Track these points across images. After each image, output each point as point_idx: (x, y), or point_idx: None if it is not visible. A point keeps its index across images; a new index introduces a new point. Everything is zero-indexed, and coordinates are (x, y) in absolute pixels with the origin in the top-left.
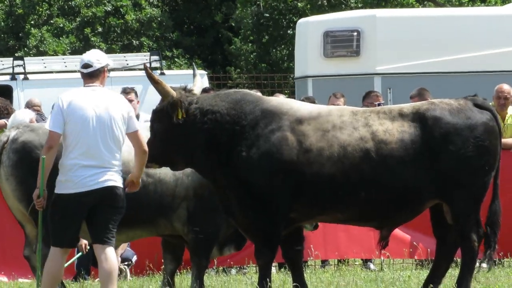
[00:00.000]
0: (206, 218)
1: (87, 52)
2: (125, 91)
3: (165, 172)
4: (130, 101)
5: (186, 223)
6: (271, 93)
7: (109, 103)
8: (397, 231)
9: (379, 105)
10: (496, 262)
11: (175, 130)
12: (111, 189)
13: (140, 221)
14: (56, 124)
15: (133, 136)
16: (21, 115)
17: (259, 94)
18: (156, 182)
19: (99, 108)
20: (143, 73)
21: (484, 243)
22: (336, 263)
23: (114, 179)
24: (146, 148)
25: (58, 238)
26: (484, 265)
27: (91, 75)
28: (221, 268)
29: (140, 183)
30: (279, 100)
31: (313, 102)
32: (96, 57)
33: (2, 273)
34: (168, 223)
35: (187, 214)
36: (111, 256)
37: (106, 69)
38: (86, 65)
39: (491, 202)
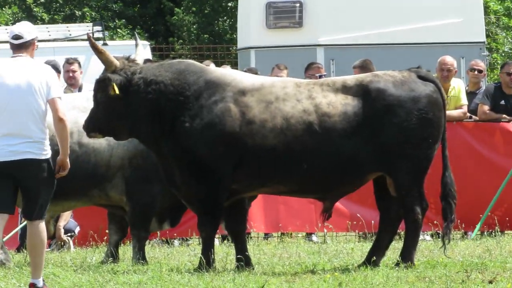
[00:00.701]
0: (142, 188)
1: (16, 23)
2: (68, 62)
3: (99, 142)
4: (73, 71)
5: (123, 193)
6: (215, 65)
7: (30, 72)
8: (341, 204)
9: (320, 77)
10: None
11: (118, 100)
12: (30, 162)
13: (74, 192)
14: None
15: (50, 103)
16: None
17: (203, 65)
18: (89, 152)
19: (19, 77)
20: (86, 43)
21: (442, 216)
22: (279, 235)
23: (35, 151)
24: (63, 116)
25: None
26: (428, 237)
27: (20, 47)
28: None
29: (68, 164)
30: (223, 71)
31: (256, 74)
32: (27, 29)
33: None
34: (102, 193)
35: (124, 184)
36: (36, 230)
37: (35, 41)
38: (16, 36)
39: (442, 174)
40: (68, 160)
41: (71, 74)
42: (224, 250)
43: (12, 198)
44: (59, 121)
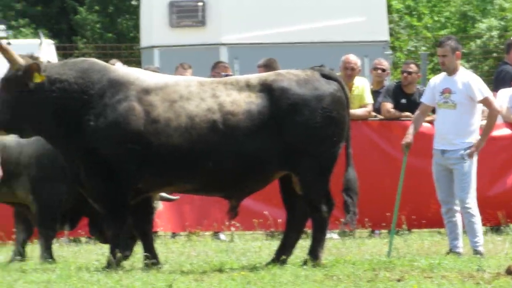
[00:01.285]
0: (48, 187)
1: None
2: None
3: (10, 139)
4: None
5: (29, 191)
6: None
7: None
8: (247, 202)
9: (226, 76)
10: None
11: (22, 98)
12: None
13: None
14: None
15: None
16: None
17: (106, 63)
18: (0, 148)
19: None
20: None
21: (344, 210)
22: (186, 234)
23: None
24: None
25: None
26: (335, 235)
27: None
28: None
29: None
30: (127, 70)
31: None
32: None
33: None
34: (9, 190)
35: (29, 183)
36: None
37: None
38: None
39: (345, 170)
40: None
41: None
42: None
43: None
44: None
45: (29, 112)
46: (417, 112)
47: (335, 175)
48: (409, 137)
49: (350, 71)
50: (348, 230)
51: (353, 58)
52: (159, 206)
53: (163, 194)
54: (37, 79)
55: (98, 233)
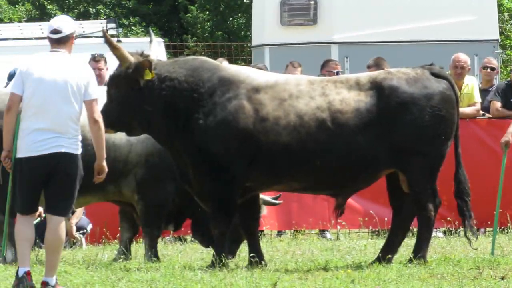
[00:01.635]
0: (156, 187)
1: (55, 17)
2: (95, 59)
3: (119, 137)
4: (100, 69)
5: (135, 190)
6: (229, 62)
7: (68, 69)
8: (354, 201)
9: (337, 73)
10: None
11: (132, 96)
12: (63, 155)
13: (91, 186)
14: (15, 86)
15: (87, 104)
16: None
17: (217, 62)
18: (109, 146)
19: (56, 73)
20: (100, 40)
21: (458, 215)
22: (292, 232)
23: (67, 145)
24: (98, 118)
25: (21, 205)
26: (440, 234)
27: (59, 41)
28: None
29: (106, 169)
30: (237, 68)
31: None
32: (66, 23)
33: None
34: (116, 189)
35: (136, 181)
36: (57, 227)
37: (73, 36)
38: (55, 31)
39: (455, 172)
40: (105, 164)
41: (97, 72)
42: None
43: (39, 197)
44: (95, 123)
45: (138, 110)
46: None
47: (442, 173)
48: (508, 136)
49: (460, 70)
50: (453, 229)
51: (463, 57)
52: (264, 210)
53: (267, 198)
54: (148, 76)
55: (200, 236)
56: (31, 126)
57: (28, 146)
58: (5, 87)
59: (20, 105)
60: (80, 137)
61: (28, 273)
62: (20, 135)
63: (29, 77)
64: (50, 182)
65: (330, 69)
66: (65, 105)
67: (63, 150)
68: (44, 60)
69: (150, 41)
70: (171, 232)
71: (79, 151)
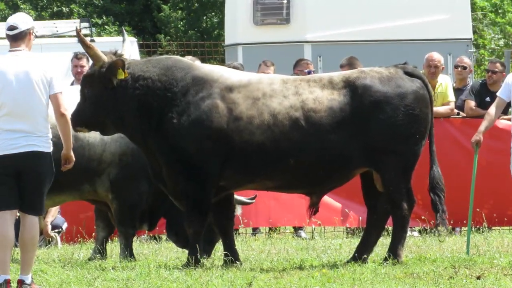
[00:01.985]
0: (130, 186)
1: (12, 15)
2: (77, 57)
3: (94, 137)
4: (82, 66)
5: (109, 189)
6: (202, 61)
7: (31, 67)
8: (329, 199)
9: (309, 72)
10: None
11: (105, 95)
12: (35, 154)
13: (67, 185)
14: None
15: (52, 98)
16: None
17: (190, 61)
18: (84, 145)
19: (20, 73)
20: (73, 39)
21: (432, 209)
22: (267, 231)
23: (37, 144)
24: (64, 111)
25: None
26: (416, 233)
27: (16, 38)
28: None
29: (73, 158)
30: (210, 68)
31: (239, 69)
32: (22, 19)
33: None
34: (91, 188)
35: (109, 181)
36: (31, 225)
37: (31, 31)
38: (11, 27)
39: (429, 168)
40: (72, 153)
41: (79, 69)
42: None
43: (17, 193)
44: (61, 116)
45: (112, 109)
46: (492, 106)
47: (416, 172)
48: (479, 135)
49: (433, 69)
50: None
51: (436, 56)
52: (239, 210)
53: (240, 198)
54: (121, 75)
55: (174, 236)
56: (2, 126)
57: (0, 146)
58: None
59: None
60: (50, 135)
61: (8, 282)
62: None
63: None
64: (22, 181)
65: (302, 69)
66: (34, 104)
67: (35, 149)
68: (7, 62)
69: (123, 41)
70: (146, 231)
71: (50, 149)
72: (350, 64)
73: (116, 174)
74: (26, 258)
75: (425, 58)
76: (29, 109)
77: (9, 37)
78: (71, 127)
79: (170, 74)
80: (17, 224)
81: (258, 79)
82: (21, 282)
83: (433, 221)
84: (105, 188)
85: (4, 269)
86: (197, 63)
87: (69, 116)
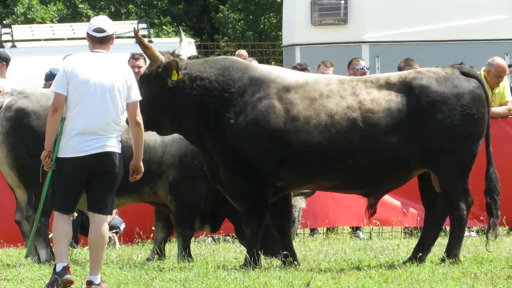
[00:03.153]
0: (188, 187)
1: (95, 17)
2: (134, 57)
3: (154, 139)
4: (139, 67)
5: (168, 191)
6: (259, 62)
7: (112, 70)
8: (387, 199)
9: (361, 68)
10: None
11: (163, 95)
12: (108, 155)
13: (127, 189)
14: (60, 86)
15: (129, 106)
16: None
17: (247, 61)
18: (144, 149)
19: (100, 74)
20: (131, 41)
21: (486, 212)
22: (324, 232)
23: (111, 145)
24: (140, 120)
25: (58, 203)
26: (473, 233)
27: (103, 40)
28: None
29: (142, 169)
30: (267, 68)
31: (305, 69)
32: (109, 23)
33: None
34: (151, 190)
35: (168, 182)
36: (101, 225)
37: (114, 37)
38: (100, 29)
39: (486, 170)
40: (141, 164)
41: (136, 70)
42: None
43: (79, 198)
44: (136, 125)
45: (169, 109)
46: None
47: (474, 172)
48: None
49: (500, 79)
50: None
51: (505, 65)
52: (303, 204)
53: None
54: (175, 77)
55: (245, 240)
56: (76, 127)
57: (73, 147)
58: (43, 87)
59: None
60: (119, 138)
61: (67, 267)
62: (64, 135)
63: (73, 78)
64: (93, 181)
65: (354, 66)
66: (110, 107)
67: (108, 149)
68: (89, 61)
69: (180, 41)
70: (204, 232)
71: (120, 150)
72: (408, 65)
73: (175, 175)
74: (96, 259)
75: (494, 66)
76: (105, 112)
77: (95, 38)
78: (143, 138)
79: (228, 75)
80: (75, 225)
81: (315, 79)
82: (90, 283)
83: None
84: (165, 190)
85: (61, 258)
86: (254, 63)
87: (143, 126)
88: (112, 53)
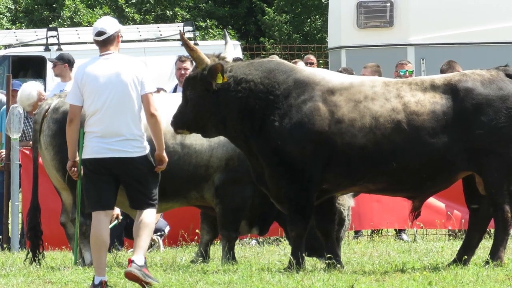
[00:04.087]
0: (234, 190)
1: (97, 20)
2: (181, 59)
3: (200, 143)
4: (185, 69)
5: (214, 194)
6: (305, 65)
7: (122, 69)
8: (431, 201)
9: (403, 72)
10: None
11: (208, 97)
12: (124, 160)
13: (174, 193)
14: (74, 97)
15: (143, 98)
16: (28, 88)
17: (292, 64)
18: (191, 153)
19: (112, 77)
20: (177, 43)
21: None
22: (369, 234)
23: (128, 150)
24: (154, 111)
25: (92, 202)
26: None
27: (105, 42)
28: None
29: (166, 158)
30: (312, 70)
31: (351, 73)
32: (109, 23)
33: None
34: (198, 194)
35: (214, 186)
36: (145, 216)
37: (119, 34)
38: (99, 33)
39: None
40: (165, 154)
41: (183, 72)
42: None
43: (114, 195)
44: (151, 116)
45: (214, 112)
46: None
47: None
48: None
49: None
50: None
51: None
52: (351, 202)
53: None
54: (219, 80)
55: None
56: (95, 131)
57: (92, 148)
58: None
59: (81, 114)
60: (144, 137)
61: (103, 283)
62: (86, 138)
63: (86, 86)
64: (124, 184)
65: (397, 70)
66: (128, 107)
67: (125, 155)
68: (98, 66)
69: (225, 43)
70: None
71: (145, 152)
72: (451, 68)
73: (222, 178)
74: (138, 243)
75: None
76: (122, 113)
77: (98, 42)
78: (161, 127)
79: (272, 77)
80: (120, 227)
81: (360, 81)
82: (131, 261)
83: None
84: (212, 193)
85: (99, 271)
86: (300, 64)
87: (159, 117)
88: (159, 55)
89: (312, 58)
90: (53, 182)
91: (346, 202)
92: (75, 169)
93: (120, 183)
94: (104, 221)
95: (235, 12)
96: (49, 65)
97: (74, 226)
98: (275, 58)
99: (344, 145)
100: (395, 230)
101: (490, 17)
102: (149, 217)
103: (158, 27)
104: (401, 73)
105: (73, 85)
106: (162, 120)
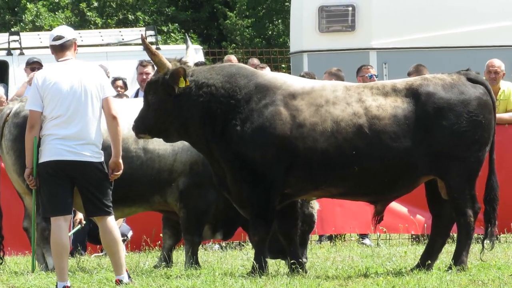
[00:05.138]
0: (198, 194)
1: (54, 28)
2: (142, 64)
3: (164, 148)
4: (147, 74)
5: (178, 198)
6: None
7: (82, 74)
8: (394, 206)
9: (370, 76)
10: (497, 238)
11: (169, 102)
12: (82, 164)
13: (137, 197)
14: (34, 103)
15: (104, 102)
16: None
17: (253, 68)
18: (154, 158)
19: (73, 81)
20: (138, 48)
21: (484, 220)
22: (332, 238)
23: (90, 154)
24: (116, 114)
25: (51, 207)
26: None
27: (63, 47)
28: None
29: (121, 165)
30: (273, 75)
31: (313, 78)
32: (66, 30)
33: None
34: (162, 199)
35: (178, 190)
36: (108, 227)
37: (76, 42)
38: (57, 37)
39: (487, 178)
40: (121, 161)
41: (144, 76)
42: None
43: (71, 199)
44: (113, 119)
45: (175, 116)
46: None
47: (481, 179)
48: None
49: (493, 75)
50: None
51: (497, 62)
52: (317, 205)
53: None
54: (182, 84)
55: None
56: (56, 133)
57: (51, 150)
58: None
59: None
60: (100, 144)
61: None
62: (44, 141)
63: (46, 91)
64: (79, 188)
65: (364, 74)
66: (88, 112)
67: (84, 158)
68: (58, 71)
69: (187, 48)
70: (211, 240)
71: (101, 158)
72: (418, 71)
73: (186, 182)
74: (114, 259)
75: (485, 64)
76: (84, 117)
77: (56, 47)
78: (121, 132)
79: (234, 81)
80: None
81: (321, 86)
82: (119, 281)
83: (497, 228)
84: (175, 198)
85: (62, 276)
86: (267, 70)
87: (120, 121)
88: (120, 60)
89: (256, 62)
90: (15, 187)
91: (315, 205)
92: (32, 177)
93: (76, 187)
94: (63, 226)
95: (197, 16)
96: (11, 69)
97: (37, 231)
98: (232, 58)
99: (305, 150)
100: (358, 235)
101: (452, 22)
102: (115, 229)
103: (120, 32)
104: (369, 77)
105: (33, 91)
106: (123, 126)
